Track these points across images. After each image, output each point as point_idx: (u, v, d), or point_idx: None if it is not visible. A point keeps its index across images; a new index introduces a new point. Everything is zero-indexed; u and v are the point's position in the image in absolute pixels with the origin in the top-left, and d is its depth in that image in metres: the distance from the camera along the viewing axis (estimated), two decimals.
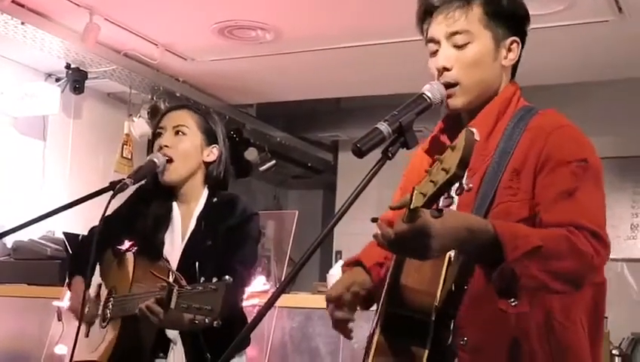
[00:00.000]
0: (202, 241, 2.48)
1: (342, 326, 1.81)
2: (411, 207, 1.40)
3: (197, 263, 2.36)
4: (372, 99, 5.70)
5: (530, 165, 1.63)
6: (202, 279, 2.14)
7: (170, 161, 2.51)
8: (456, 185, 1.36)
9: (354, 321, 1.81)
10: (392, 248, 1.47)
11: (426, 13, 1.76)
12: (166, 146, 2.52)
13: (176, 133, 2.54)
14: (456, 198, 1.52)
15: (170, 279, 2.24)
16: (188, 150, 2.54)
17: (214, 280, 2.09)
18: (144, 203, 2.59)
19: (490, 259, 1.48)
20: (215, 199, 2.56)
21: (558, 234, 1.51)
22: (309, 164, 7.17)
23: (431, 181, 1.37)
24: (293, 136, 6.68)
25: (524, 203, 1.61)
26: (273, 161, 6.30)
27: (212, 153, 2.59)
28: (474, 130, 1.32)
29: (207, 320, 2.09)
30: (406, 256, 1.53)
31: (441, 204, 1.44)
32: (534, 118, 1.70)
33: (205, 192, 2.58)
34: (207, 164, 2.59)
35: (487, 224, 1.49)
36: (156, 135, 2.57)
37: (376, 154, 1.57)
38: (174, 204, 2.57)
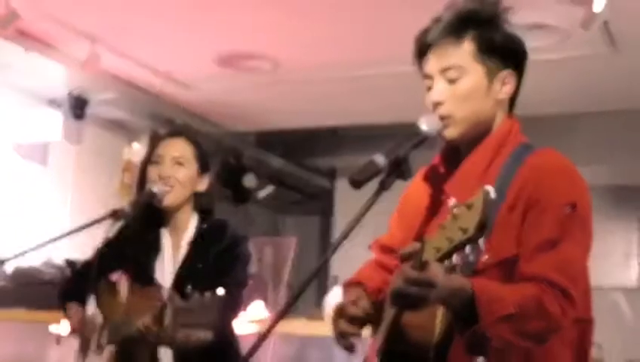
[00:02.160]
0: (194, 265, 2.52)
1: (345, 341, 1.76)
2: (423, 259, 1.42)
3: (189, 287, 2.38)
4: (369, 127, 5.72)
5: (522, 202, 1.64)
6: (195, 295, 2.15)
7: (169, 188, 2.55)
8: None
9: (359, 336, 1.78)
10: (398, 295, 1.48)
11: (421, 51, 1.78)
12: (167, 177, 2.55)
13: (175, 163, 2.58)
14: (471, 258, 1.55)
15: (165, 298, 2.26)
16: (186, 180, 2.59)
17: (207, 294, 2.11)
18: (133, 232, 2.62)
19: (463, 314, 1.52)
20: (205, 225, 2.61)
21: (529, 295, 1.55)
22: (307, 191, 7.18)
23: (446, 238, 1.38)
24: (291, 163, 6.69)
25: (513, 239, 1.62)
26: (271, 188, 6.30)
27: (203, 182, 2.63)
28: (490, 188, 1.34)
29: (201, 334, 2.10)
30: (404, 304, 1.53)
31: (454, 259, 1.46)
32: (532, 156, 1.71)
33: (195, 219, 2.62)
34: (196, 193, 2.63)
35: (466, 283, 1.51)
36: (152, 162, 2.60)
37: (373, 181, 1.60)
38: (163, 231, 2.61)
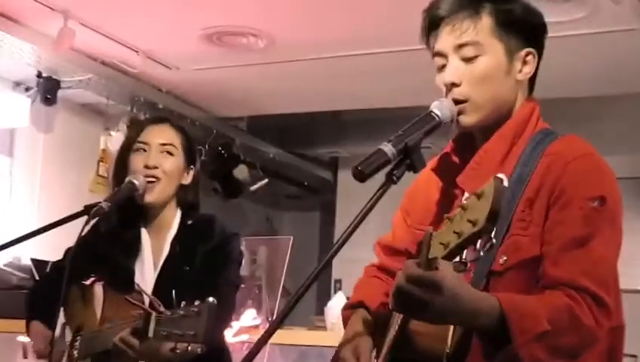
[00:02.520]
0: (179, 267, 2.51)
1: None
2: (429, 256, 1.40)
3: (174, 291, 2.38)
4: (375, 112, 5.71)
5: (544, 196, 1.63)
6: (183, 303, 2.14)
7: (153, 181, 2.53)
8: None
9: None
10: (397, 294, 1.46)
11: (432, 26, 1.77)
12: (155, 167, 2.54)
13: (163, 151, 2.57)
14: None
15: (146, 306, 2.24)
16: (174, 171, 2.58)
17: (197, 302, 2.09)
18: (109, 230, 2.61)
19: (489, 333, 1.50)
20: (190, 221, 2.61)
21: (560, 306, 1.53)
22: (306, 183, 7.18)
23: (454, 232, 1.36)
24: (287, 153, 6.69)
25: (535, 238, 1.62)
26: (266, 180, 6.30)
27: (189, 175, 2.63)
28: (502, 176, 1.33)
29: (190, 347, 2.09)
30: (402, 307, 1.49)
31: (465, 255, 1.44)
32: (554, 144, 1.71)
33: (178, 215, 2.62)
34: (181, 187, 2.62)
35: (489, 299, 1.49)
36: (135, 150, 2.58)
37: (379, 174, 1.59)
38: (142, 229, 2.60)
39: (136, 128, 2.72)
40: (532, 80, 1.80)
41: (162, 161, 2.56)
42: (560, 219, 1.61)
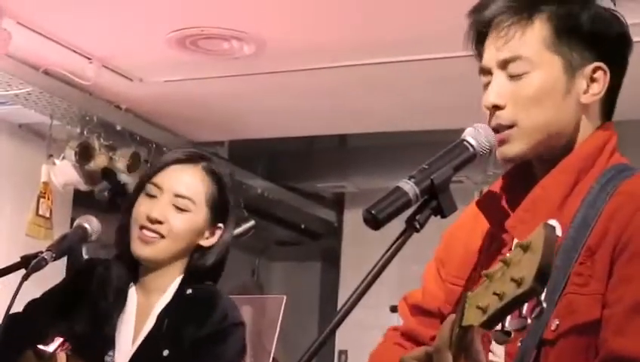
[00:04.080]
0: (158, 349, 2.47)
1: None
2: (463, 323, 1.41)
3: None
4: (390, 137, 5.72)
5: (609, 244, 1.64)
6: None
7: (155, 237, 2.50)
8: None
9: None
10: None
11: (478, 33, 1.80)
12: (158, 221, 2.49)
13: (175, 204, 2.53)
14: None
15: None
16: (182, 232, 2.52)
17: None
18: (95, 280, 2.58)
19: None
20: (189, 291, 2.55)
21: None
22: (303, 226, 7.18)
23: (495, 293, 1.37)
24: (279, 187, 6.71)
25: (596, 298, 1.62)
26: (252, 222, 6.31)
27: (214, 235, 2.59)
28: (554, 223, 1.34)
29: None
30: None
31: (508, 323, 1.44)
32: (627, 181, 1.71)
33: (178, 280, 2.57)
34: (197, 248, 2.58)
35: None
36: (147, 191, 2.56)
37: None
38: (132, 286, 2.58)
39: (157, 165, 2.66)
40: (609, 102, 1.82)
41: (171, 215, 2.51)
42: (626, 274, 1.61)
